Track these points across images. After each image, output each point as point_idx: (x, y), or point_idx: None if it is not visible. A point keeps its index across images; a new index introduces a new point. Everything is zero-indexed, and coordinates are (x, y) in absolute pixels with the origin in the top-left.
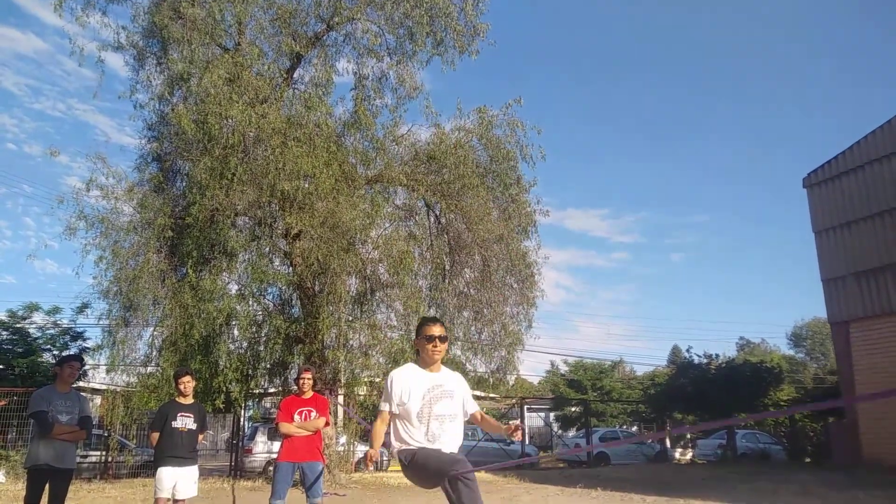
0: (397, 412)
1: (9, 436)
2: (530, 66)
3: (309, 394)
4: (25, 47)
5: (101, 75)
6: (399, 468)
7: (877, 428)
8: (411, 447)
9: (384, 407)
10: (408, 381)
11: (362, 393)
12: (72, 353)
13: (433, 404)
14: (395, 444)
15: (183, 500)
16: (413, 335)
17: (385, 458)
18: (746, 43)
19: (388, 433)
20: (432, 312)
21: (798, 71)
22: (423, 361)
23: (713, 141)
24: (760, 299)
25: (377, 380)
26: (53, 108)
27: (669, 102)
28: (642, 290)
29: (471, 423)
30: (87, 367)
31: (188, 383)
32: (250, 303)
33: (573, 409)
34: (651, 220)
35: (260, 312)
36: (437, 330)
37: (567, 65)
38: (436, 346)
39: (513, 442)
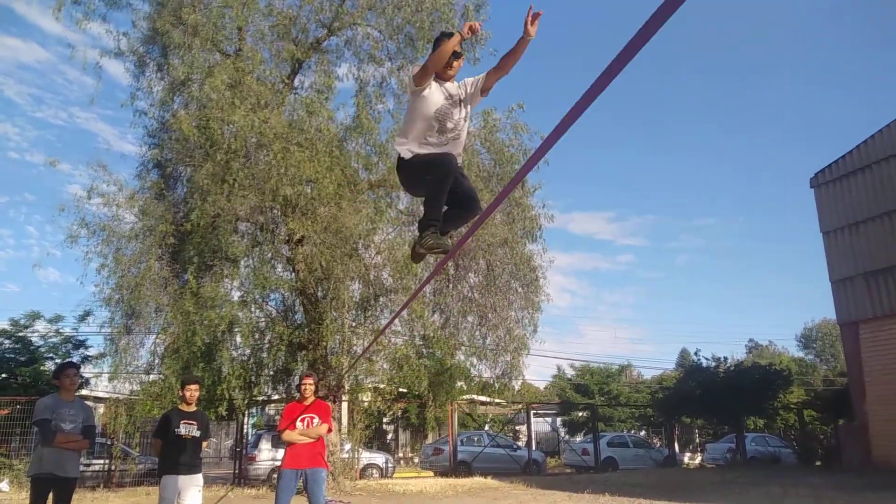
0: (421, 92)
1: (12, 444)
2: (532, 69)
3: (311, 400)
4: (27, 57)
5: (98, 81)
6: (403, 474)
7: (887, 431)
8: (420, 150)
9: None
10: (430, 88)
11: (366, 399)
12: (68, 360)
13: (450, 106)
14: (403, 147)
15: None
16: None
17: (390, 465)
18: (753, 45)
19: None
20: (436, 318)
21: (804, 71)
22: (437, 75)
23: (719, 143)
24: (769, 301)
25: (382, 386)
26: (55, 117)
27: (675, 105)
28: (649, 293)
29: (495, 81)
30: (89, 375)
31: (194, 391)
32: (253, 309)
33: (580, 413)
34: (657, 222)
35: (263, 319)
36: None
37: (571, 66)
38: (450, 64)
39: (519, 448)
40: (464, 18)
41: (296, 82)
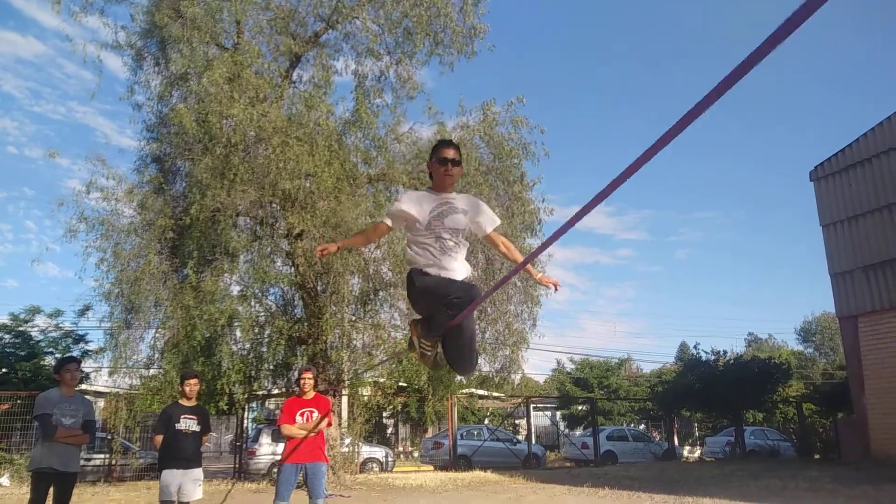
0: (402, 226)
1: (13, 439)
2: (533, 61)
3: (310, 394)
4: (26, 51)
5: (100, 74)
6: (403, 468)
7: (886, 423)
8: (422, 266)
9: (383, 218)
10: (420, 198)
11: (366, 393)
12: (69, 355)
13: (444, 217)
14: (409, 257)
15: (188, 503)
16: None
17: (390, 459)
18: (752, 37)
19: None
20: None
21: (805, 64)
22: (436, 185)
23: (718, 136)
24: (769, 295)
25: (381, 380)
26: (54, 112)
27: (673, 98)
28: (649, 287)
29: (489, 242)
30: (89, 370)
31: (194, 386)
32: (252, 304)
33: (580, 407)
34: (656, 217)
35: (262, 313)
36: (450, 153)
37: (571, 60)
38: (448, 170)
39: (519, 441)
40: (462, 13)
41: (294, 76)
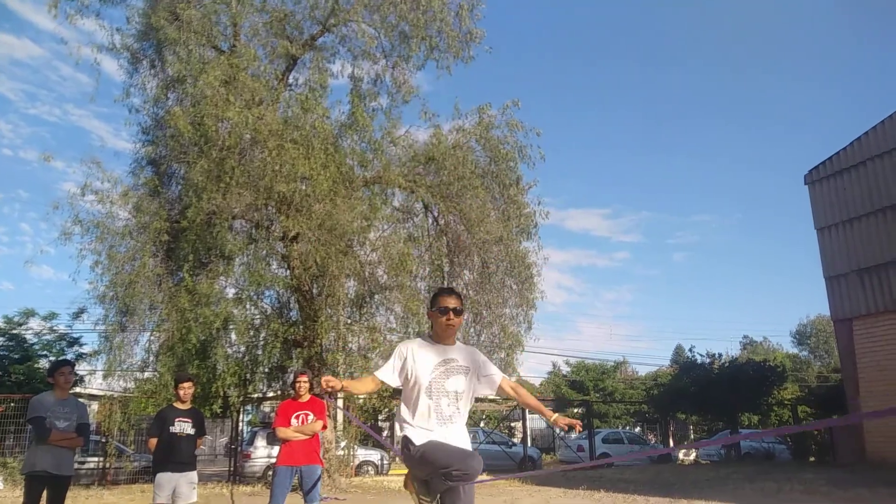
0: (399, 384)
1: (6, 442)
2: (528, 65)
3: (306, 397)
4: (21, 53)
5: (98, 77)
6: (399, 471)
7: (880, 426)
8: (418, 434)
9: (379, 373)
10: (418, 353)
11: (362, 397)
12: (62, 358)
13: (445, 379)
14: (400, 427)
15: None
16: (417, 327)
17: (385, 462)
18: (747, 39)
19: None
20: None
21: (800, 67)
22: (436, 335)
23: (714, 139)
24: (764, 298)
25: None
26: (49, 114)
27: (670, 101)
28: (645, 289)
29: (500, 394)
30: (84, 372)
31: (188, 389)
32: (248, 306)
33: (575, 410)
34: (652, 219)
35: (258, 316)
36: (452, 301)
37: (567, 63)
38: (450, 319)
39: (515, 444)
40: (458, 18)
41: (290, 79)
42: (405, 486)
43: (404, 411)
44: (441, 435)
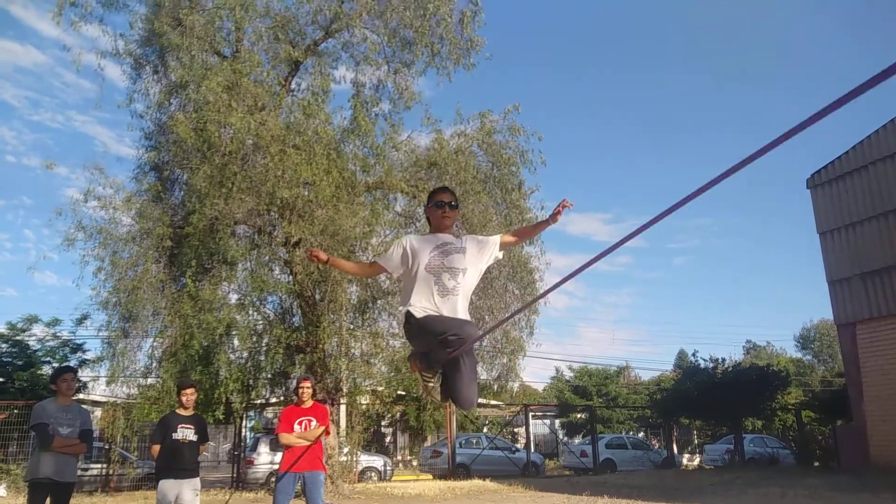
0: (400, 272)
1: (10, 449)
2: (529, 70)
3: (309, 403)
4: (25, 60)
5: (103, 83)
6: (402, 477)
7: (884, 431)
8: (418, 308)
9: (380, 258)
10: (417, 240)
11: (365, 402)
12: (65, 365)
13: (444, 257)
14: (402, 304)
15: None
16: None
17: (388, 468)
18: (748, 42)
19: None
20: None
21: (800, 71)
22: (434, 229)
23: (714, 143)
24: (767, 302)
25: (380, 388)
26: (52, 120)
27: (670, 105)
28: (647, 294)
29: (508, 247)
30: (87, 379)
31: (191, 395)
32: (250, 312)
33: (578, 415)
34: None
35: (260, 322)
36: (447, 197)
37: (568, 68)
38: (445, 213)
39: (518, 450)
40: (461, 24)
41: (293, 84)
42: (409, 362)
43: (406, 291)
44: (441, 307)
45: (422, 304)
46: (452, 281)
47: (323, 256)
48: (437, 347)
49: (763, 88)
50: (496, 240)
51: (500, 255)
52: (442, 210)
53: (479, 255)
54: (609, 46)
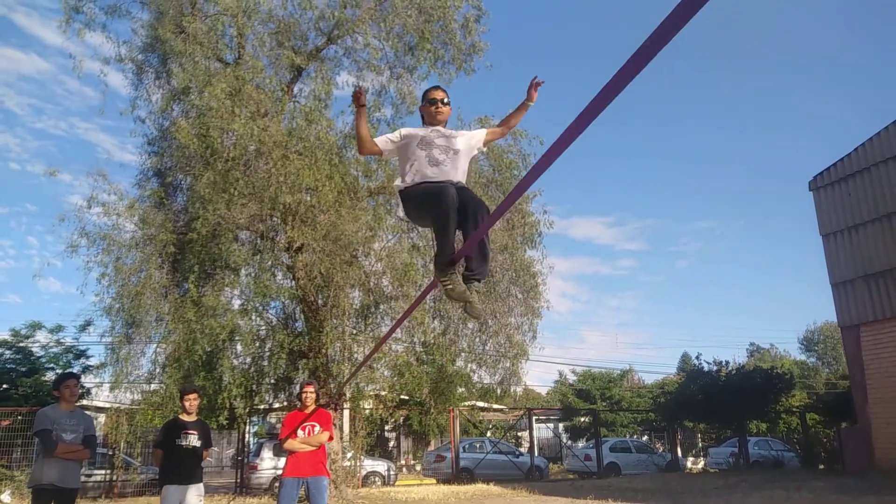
0: (389, 150)
1: (14, 456)
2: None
3: (312, 408)
4: (28, 68)
5: (105, 90)
6: (405, 482)
7: (889, 433)
8: (408, 180)
9: (377, 138)
10: (412, 129)
11: (368, 407)
12: (68, 371)
13: (436, 137)
14: (399, 182)
15: None
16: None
17: (392, 473)
18: (751, 43)
19: None
20: (437, 324)
21: (803, 72)
22: (428, 125)
23: (718, 145)
24: (771, 304)
25: (383, 393)
26: (55, 127)
27: (673, 108)
28: (650, 297)
29: (494, 139)
30: (90, 385)
31: (194, 400)
32: (253, 318)
33: (582, 419)
34: (656, 226)
35: (263, 327)
36: (439, 94)
37: (569, 69)
38: (438, 108)
39: (522, 454)
40: (464, 29)
41: (295, 90)
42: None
43: (401, 174)
44: (432, 176)
45: (411, 178)
46: (443, 156)
47: (363, 100)
48: (437, 207)
49: (769, 86)
50: (482, 134)
51: (485, 149)
52: (435, 106)
53: (468, 144)
54: (611, 45)
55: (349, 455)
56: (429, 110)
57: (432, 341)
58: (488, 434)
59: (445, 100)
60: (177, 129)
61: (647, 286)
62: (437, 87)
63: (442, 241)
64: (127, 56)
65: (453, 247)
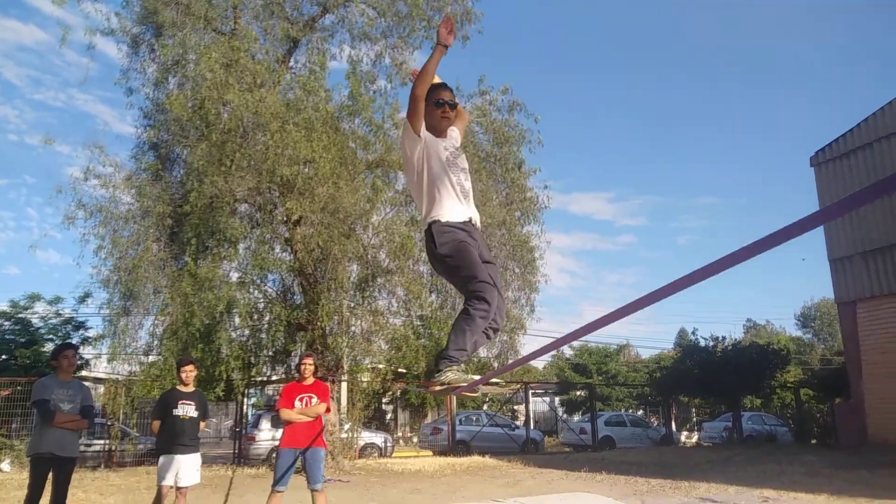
0: (420, 135)
1: (13, 425)
2: (532, 46)
3: (310, 380)
4: (27, 38)
5: (90, 61)
6: (402, 454)
7: (882, 408)
8: (449, 215)
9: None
10: (429, 133)
11: (365, 379)
12: (66, 342)
13: (457, 156)
14: (433, 209)
15: (186, 488)
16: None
17: (389, 445)
18: (752, 21)
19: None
20: (433, 298)
21: (805, 49)
22: (433, 130)
23: (719, 121)
24: (768, 281)
25: (380, 366)
26: (55, 99)
27: (675, 84)
28: (649, 273)
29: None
30: (89, 356)
31: (190, 372)
32: (251, 290)
33: (578, 393)
34: (657, 202)
35: (261, 300)
36: (448, 95)
37: (571, 46)
38: (446, 112)
39: (518, 427)
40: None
41: (291, 61)
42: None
43: (428, 194)
44: (471, 213)
45: (446, 214)
46: (468, 182)
47: (451, 40)
48: (480, 308)
49: (770, 62)
50: (459, 135)
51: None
52: (442, 110)
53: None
54: (612, 25)
55: (346, 427)
56: (435, 114)
57: (430, 315)
58: (485, 407)
59: (454, 101)
60: (170, 101)
61: (648, 262)
62: (444, 86)
63: (468, 340)
64: (120, 28)
65: (471, 345)
